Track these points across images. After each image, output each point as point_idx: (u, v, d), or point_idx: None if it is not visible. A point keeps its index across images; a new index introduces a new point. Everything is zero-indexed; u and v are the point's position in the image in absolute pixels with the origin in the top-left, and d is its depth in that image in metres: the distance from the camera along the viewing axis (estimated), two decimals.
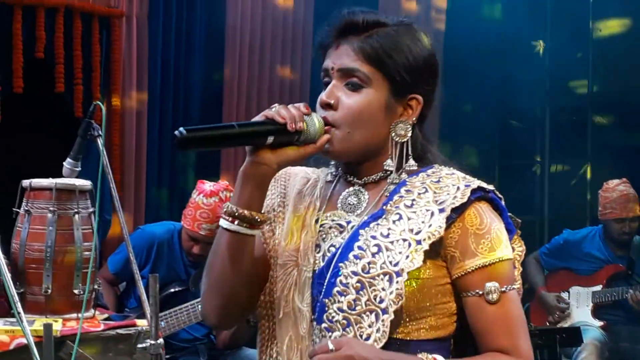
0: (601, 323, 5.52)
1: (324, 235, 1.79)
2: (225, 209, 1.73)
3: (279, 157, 1.70)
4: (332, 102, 1.74)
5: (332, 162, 1.86)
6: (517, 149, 8.00)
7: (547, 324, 5.51)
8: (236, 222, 1.71)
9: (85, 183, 3.41)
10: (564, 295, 5.67)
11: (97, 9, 5.45)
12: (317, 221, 1.80)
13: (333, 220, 1.80)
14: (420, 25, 1.83)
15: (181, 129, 1.63)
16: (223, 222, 1.73)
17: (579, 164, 7.94)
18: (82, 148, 3.28)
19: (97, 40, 5.46)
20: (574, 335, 4.92)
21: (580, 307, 5.60)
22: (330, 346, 1.61)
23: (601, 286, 5.57)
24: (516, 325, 1.72)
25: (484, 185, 1.76)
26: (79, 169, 3.29)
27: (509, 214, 1.81)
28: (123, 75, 5.61)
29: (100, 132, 3.27)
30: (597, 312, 5.56)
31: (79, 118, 5.34)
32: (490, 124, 7.77)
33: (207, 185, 4.44)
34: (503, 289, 1.71)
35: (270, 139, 1.68)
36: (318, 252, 1.78)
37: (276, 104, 1.73)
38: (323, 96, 1.76)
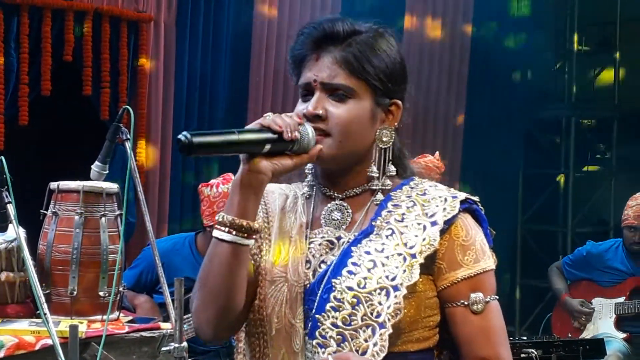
0: (624, 335, 5.48)
1: (313, 252, 1.78)
2: (219, 219, 1.69)
3: (274, 166, 1.68)
4: (320, 112, 1.73)
5: (307, 179, 1.84)
6: (541, 158, 7.96)
7: (570, 334, 5.47)
8: (233, 232, 1.68)
9: (112, 186, 3.43)
10: None
11: (125, 14, 5.50)
12: (306, 238, 1.80)
13: (323, 237, 1.79)
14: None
15: (186, 133, 1.60)
16: (218, 233, 1.70)
17: (604, 175, 7.90)
18: (110, 151, 3.27)
19: (125, 44, 5.51)
20: (597, 347, 4.88)
21: (603, 318, 5.56)
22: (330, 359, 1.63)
23: (624, 298, 5.52)
24: (499, 335, 1.76)
25: (470, 196, 1.78)
26: (107, 172, 3.29)
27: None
28: (150, 79, 5.65)
29: (128, 136, 3.28)
30: (620, 324, 5.52)
31: (104, 121, 5.38)
32: (515, 132, 7.75)
33: (214, 180, 4.45)
34: (487, 299, 1.74)
35: (267, 147, 1.66)
36: (308, 268, 1.77)
37: (270, 113, 1.71)
38: (310, 108, 1.73)
